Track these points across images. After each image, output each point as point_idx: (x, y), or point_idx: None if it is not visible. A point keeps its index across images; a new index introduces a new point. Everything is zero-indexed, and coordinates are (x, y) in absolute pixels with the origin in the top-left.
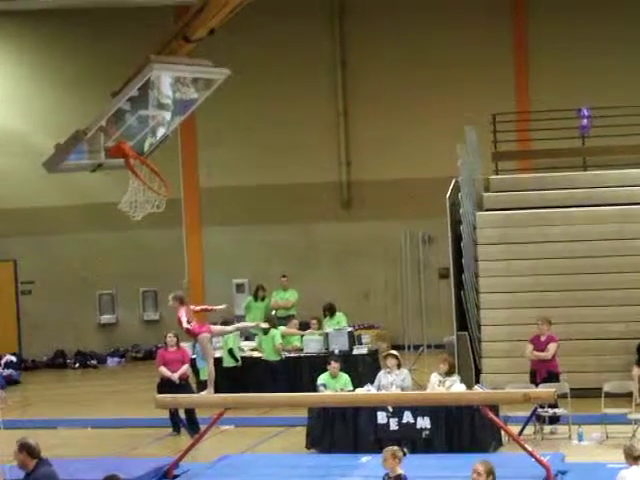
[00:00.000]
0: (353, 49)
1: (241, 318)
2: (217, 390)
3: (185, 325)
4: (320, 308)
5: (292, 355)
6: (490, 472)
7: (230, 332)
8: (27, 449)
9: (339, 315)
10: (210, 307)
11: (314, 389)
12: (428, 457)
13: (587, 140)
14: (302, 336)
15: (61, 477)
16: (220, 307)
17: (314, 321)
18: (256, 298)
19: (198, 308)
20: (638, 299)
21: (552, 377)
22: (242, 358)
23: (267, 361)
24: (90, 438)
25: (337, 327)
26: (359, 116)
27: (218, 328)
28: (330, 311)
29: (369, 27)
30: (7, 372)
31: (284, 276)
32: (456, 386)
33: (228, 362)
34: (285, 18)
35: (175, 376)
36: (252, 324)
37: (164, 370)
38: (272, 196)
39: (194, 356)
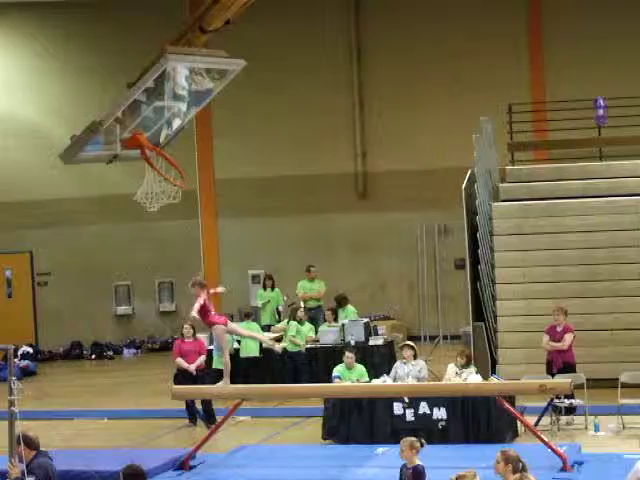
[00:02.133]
0: (368, 40)
1: (257, 310)
2: (234, 381)
3: (194, 314)
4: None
5: (308, 346)
6: (509, 459)
7: (243, 336)
8: (25, 441)
9: (350, 307)
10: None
11: (329, 380)
12: (444, 448)
13: (603, 130)
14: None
15: (78, 468)
16: (219, 289)
17: (329, 312)
18: (265, 287)
19: (212, 291)
20: None
21: (568, 368)
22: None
23: (287, 351)
24: (106, 429)
25: (347, 319)
26: (375, 107)
27: (233, 326)
28: (343, 302)
29: (384, 18)
30: (24, 363)
31: (312, 266)
32: (472, 377)
33: (248, 351)
34: (301, 9)
35: (192, 367)
36: (266, 339)
37: (181, 361)
38: (288, 187)
39: (211, 347)
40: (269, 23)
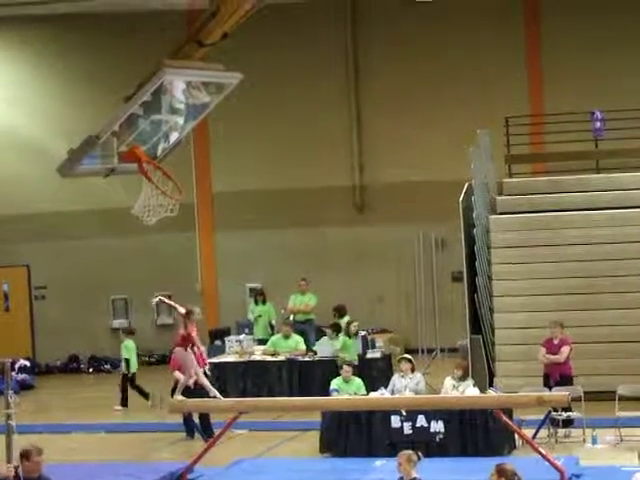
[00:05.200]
0: (366, 52)
1: (249, 324)
2: (228, 393)
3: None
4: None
5: (306, 359)
6: (502, 472)
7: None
8: (41, 453)
9: (348, 318)
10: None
11: (327, 393)
12: (442, 461)
13: (600, 143)
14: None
15: None
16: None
17: (329, 330)
18: (256, 302)
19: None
20: None
21: (565, 380)
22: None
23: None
24: (104, 443)
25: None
26: (372, 120)
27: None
28: (340, 312)
29: (382, 30)
30: (21, 377)
31: (303, 279)
32: (470, 390)
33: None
34: (297, 21)
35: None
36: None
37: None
38: (285, 200)
39: (212, 360)
40: (266, 37)
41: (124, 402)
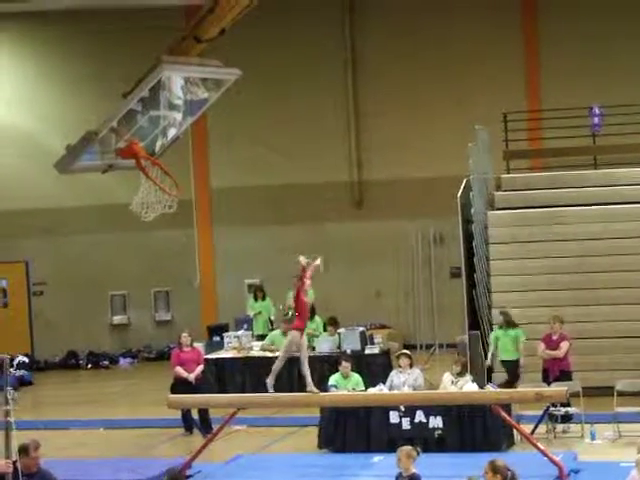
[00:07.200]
0: (364, 48)
1: (248, 320)
2: (226, 389)
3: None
4: (332, 308)
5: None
6: (496, 469)
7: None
8: (38, 448)
9: (317, 320)
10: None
11: (325, 389)
12: (440, 456)
13: (598, 138)
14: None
15: (74, 478)
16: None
17: (330, 327)
18: (256, 299)
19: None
20: None
21: (564, 376)
22: (252, 358)
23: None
24: (102, 439)
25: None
26: (370, 115)
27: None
28: (311, 313)
29: (379, 25)
30: (19, 373)
31: None
32: (468, 385)
33: None
34: (295, 17)
35: (192, 376)
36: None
37: (181, 370)
38: (283, 196)
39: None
40: (265, 33)
41: None
